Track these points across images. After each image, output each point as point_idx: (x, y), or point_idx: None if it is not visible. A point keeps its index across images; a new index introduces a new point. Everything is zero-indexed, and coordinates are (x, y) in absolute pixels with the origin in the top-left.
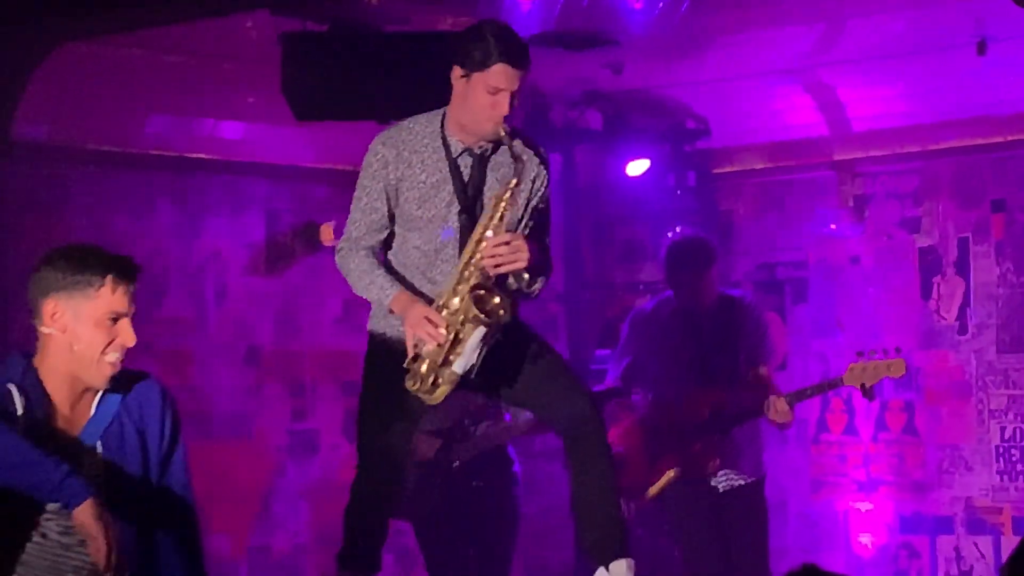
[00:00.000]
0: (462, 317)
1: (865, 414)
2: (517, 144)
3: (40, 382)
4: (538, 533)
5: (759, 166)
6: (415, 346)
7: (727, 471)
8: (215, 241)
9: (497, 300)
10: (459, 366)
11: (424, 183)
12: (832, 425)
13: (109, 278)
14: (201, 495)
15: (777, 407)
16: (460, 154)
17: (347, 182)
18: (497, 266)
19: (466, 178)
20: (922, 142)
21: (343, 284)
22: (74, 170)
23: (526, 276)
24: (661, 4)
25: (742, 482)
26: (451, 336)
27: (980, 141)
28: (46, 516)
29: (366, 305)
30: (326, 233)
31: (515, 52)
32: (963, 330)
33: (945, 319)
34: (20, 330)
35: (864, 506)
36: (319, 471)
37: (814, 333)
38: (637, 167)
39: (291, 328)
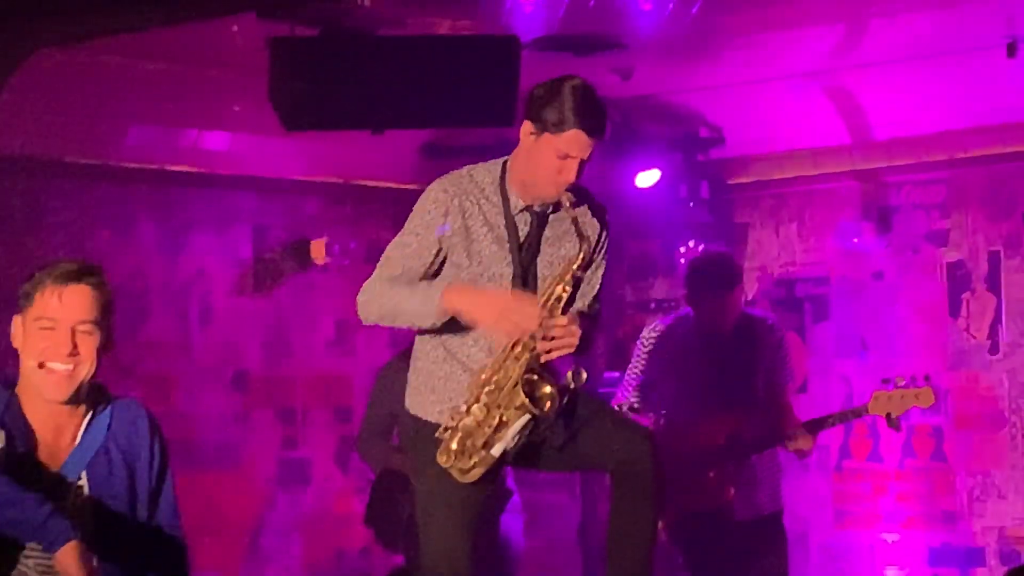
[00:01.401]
0: (508, 400)
1: (891, 440)
2: (581, 214)
3: (22, 412)
4: (545, 567)
5: (777, 176)
6: (452, 416)
7: (744, 502)
8: (200, 259)
9: (547, 390)
10: (497, 450)
11: (480, 238)
12: (856, 451)
13: (45, 285)
14: (187, 529)
15: (797, 437)
16: (519, 212)
17: (339, 195)
18: (548, 351)
19: (522, 238)
20: (950, 150)
21: (336, 304)
22: (51, 184)
23: (584, 376)
24: (671, 5)
25: (762, 513)
26: (495, 421)
27: (1011, 149)
28: (26, 553)
29: (360, 327)
30: (317, 250)
31: (593, 119)
32: (994, 349)
33: (975, 338)
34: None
35: (891, 537)
36: (312, 502)
37: (836, 353)
38: (647, 178)
39: (281, 351)
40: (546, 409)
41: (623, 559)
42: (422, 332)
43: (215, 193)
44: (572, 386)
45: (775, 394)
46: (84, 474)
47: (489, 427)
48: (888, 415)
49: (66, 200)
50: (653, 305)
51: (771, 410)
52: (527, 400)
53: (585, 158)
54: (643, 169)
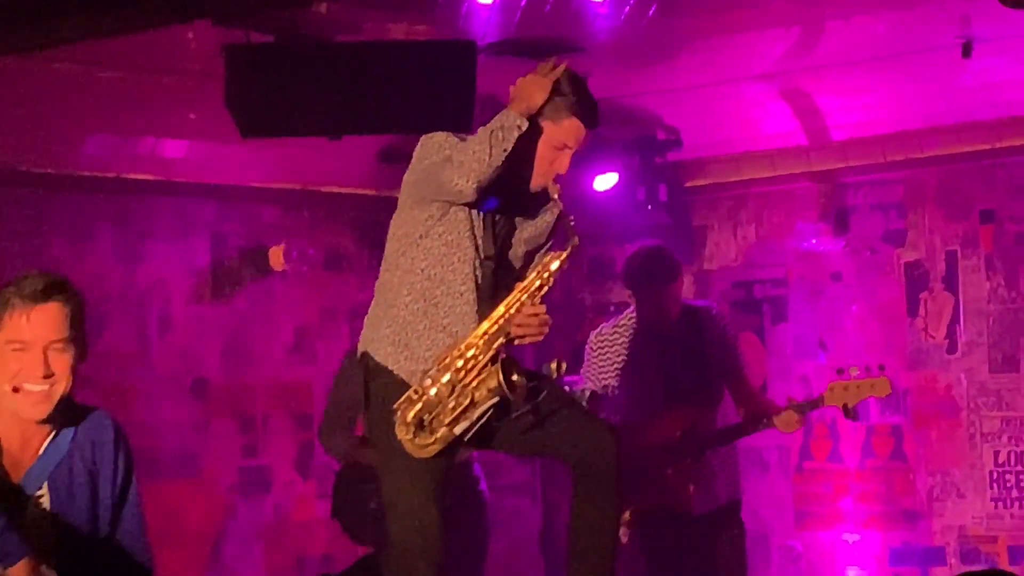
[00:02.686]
0: (480, 381)
1: (851, 439)
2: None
3: None
4: (506, 572)
5: (734, 178)
6: (416, 388)
7: (702, 495)
8: (158, 267)
9: (518, 377)
10: (460, 428)
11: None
12: (815, 452)
13: (15, 302)
14: (149, 538)
15: (782, 414)
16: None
17: (297, 202)
18: (522, 336)
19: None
20: (906, 150)
21: (295, 311)
22: (7, 193)
23: (564, 366)
24: (627, 8)
25: (719, 504)
26: (464, 400)
27: (967, 148)
28: None
29: (319, 333)
30: (276, 257)
31: (589, 110)
32: (952, 348)
33: (933, 337)
34: None
35: (851, 537)
36: (273, 510)
37: (795, 354)
38: (605, 181)
39: (240, 359)
40: (517, 396)
41: (586, 555)
42: (404, 273)
43: (173, 201)
44: (554, 376)
45: (736, 379)
46: (46, 486)
47: (456, 405)
48: (844, 405)
49: (23, 209)
50: (612, 308)
51: (737, 396)
52: (503, 383)
53: (576, 149)
54: (601, 172)
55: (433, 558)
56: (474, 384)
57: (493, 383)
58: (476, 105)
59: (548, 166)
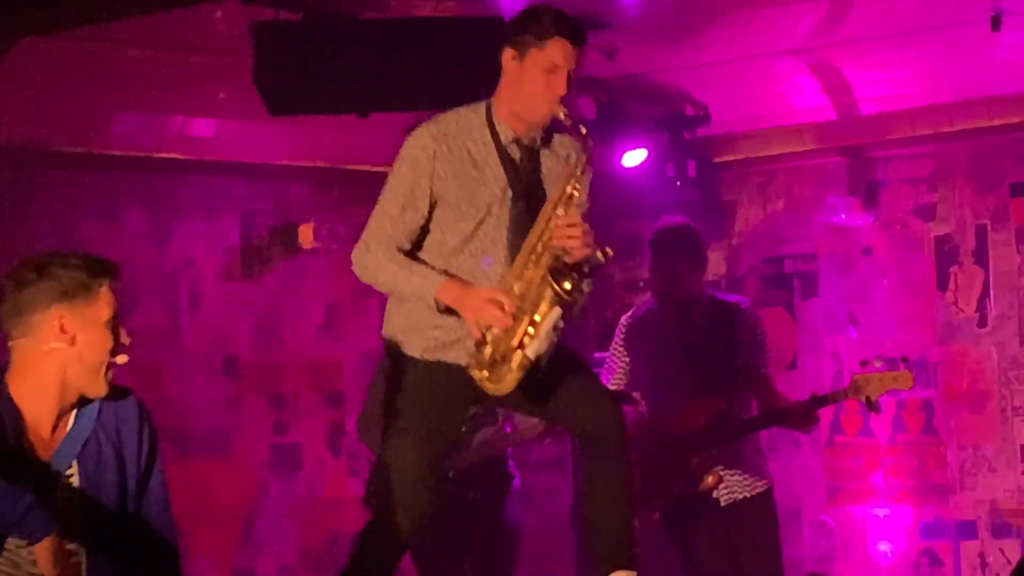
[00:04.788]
0: (534, 298)
1: (882, 415)
2: (582, 128)
3: (14, 404)
4: (538, 549)
5: (763, 153)
6: (479, 331)
7: (730, 484)
8: (188, 246)
9: (571, 283)
10: (532, 350)
11: (474, 177)
12: (847, 427)
13: (107, 279)
14: (181, 516)
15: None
16: (510, 143)
17: (326, 180)
18: (572, 248)
19: (517, 162)
20: (935, 124)
21: (325, 289)
22: (37, 174)
23: (610, 252)
24: None
25: (747, 494)
26: (527, 318)
27: (997, 122)
28: (18, 543)
29: (350, 311)
30: (306, 235)
31: (572, 28)
32: (983, 323)
33: (964, 311)
34: None
35: (882, 512)
36: (304, 488)
37: (825, 329)
38: (634, 157)
39: (271, 337)
40: (577, 298)
41: (600, 525)
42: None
43: (202, 180)
44: (603, 261)
45: (759, 379)
46: (75, 464)
47: (522, 330)
48: (867, 398)
49: (53, 189)
50: (641, 284)
51: (760, 392)
52: (556, 289)
53: (572, 69)
54: (629, 149)
55: (415, 513)
56: (533, 306)
57: (548, 294)
58: None
59: (547, 91)
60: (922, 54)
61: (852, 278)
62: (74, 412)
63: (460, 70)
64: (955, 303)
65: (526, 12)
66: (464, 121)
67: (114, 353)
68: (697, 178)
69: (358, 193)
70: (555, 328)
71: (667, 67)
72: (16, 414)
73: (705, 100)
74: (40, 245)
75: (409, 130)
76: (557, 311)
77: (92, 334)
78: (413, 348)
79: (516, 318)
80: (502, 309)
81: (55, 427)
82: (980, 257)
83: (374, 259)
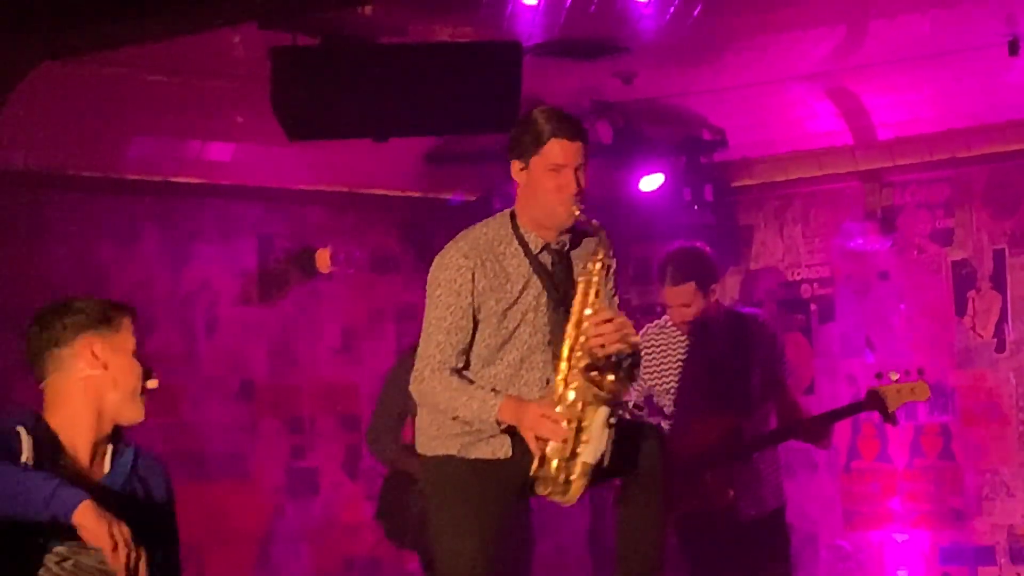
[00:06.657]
0: (580, 404)
1: (899, 439)
2: (594, 222)
3: (52, 432)
4: (552, 571)
5: (780, 178)
6: (539, 448)
7: (744, 501)
8: (205, 270)
9: (612, 378)
10: (588, 455)
11: (511, 290)
12: (864, 451)
13: (128, 315)
14: (196, 539)
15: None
16: (540, 251)
17: (343, 204)
18: (603, 345)
19: (551, 271)
20: (952, 149)
21: (341, 313)
22: (54, 197)
23: (631, 355)
24: (672, 8)
25: (762, 513)
26: (573, 426)
27: (1014, 147)
28: (51, 556)
29: (366, 335)
30: (322, 259)
31: (566, 125)
32: (1001, 347)
33: (981, 336)
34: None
35: (900, 537)
36: (320, 512)
37: (842, 354)
38: (651, 182)
39: (287, 360)
40: (619, 393)
41: (634, 557)
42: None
43: (219, 204)
44: (640, 351)
45: (779, 390)
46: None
47: (575, 438)
48: (885, 411)
49: (70, 213)
50: (659, 309)
51: (780, 406)
52: (598, 391)
53: (578, 165)
54: (647, 173)
55: None
56: (579, 410)
57: (590, 396)
58: (521, 106)
59: (557, 193)
60: (939, 78)
61: (869, 303)
62: (110, 448)
63: (477, 95)
64: (973, 328)
65: (520, 122)
66: (492, 234)
67: (147, 376)
68: (714, 203)
69: (375, 217)
70: (607, 425)
71: (684, 92)
72: (55, 441)
73: (722, 125)
74: (57, 268)
75: (427, 156)
76: (604, 410)
77: (123, 360)
78: (450, 449)
79: (569, 425)
80: (556, 422)
81: (92, 459)
82: (998, 282)
83: (429, 388)
